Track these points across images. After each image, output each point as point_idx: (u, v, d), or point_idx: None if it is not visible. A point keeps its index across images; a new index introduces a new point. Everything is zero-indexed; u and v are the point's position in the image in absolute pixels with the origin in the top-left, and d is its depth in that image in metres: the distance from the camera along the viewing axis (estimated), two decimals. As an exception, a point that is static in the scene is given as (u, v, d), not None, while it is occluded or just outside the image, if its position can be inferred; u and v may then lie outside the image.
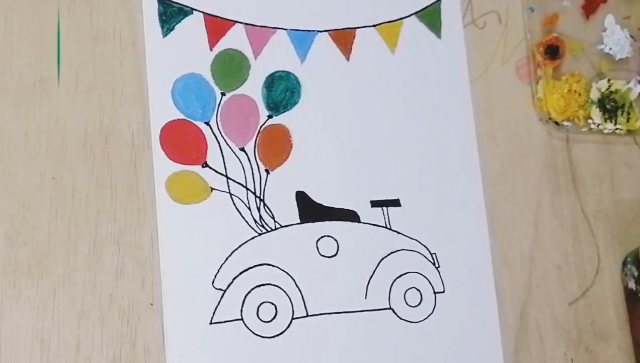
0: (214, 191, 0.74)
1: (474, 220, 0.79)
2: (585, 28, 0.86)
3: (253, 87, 0.76)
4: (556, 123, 0.83)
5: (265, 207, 0.74)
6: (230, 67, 0.76)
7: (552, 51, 0.84)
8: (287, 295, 0.74)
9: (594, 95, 0.84)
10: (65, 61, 0.73)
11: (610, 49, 0.85)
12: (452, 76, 0.81)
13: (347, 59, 0.79)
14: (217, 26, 0.76)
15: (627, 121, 0.84)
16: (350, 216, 0.76)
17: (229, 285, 0.72)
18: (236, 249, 0.73)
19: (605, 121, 0.84)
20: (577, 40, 0.85)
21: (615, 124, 0.84)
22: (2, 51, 0.72)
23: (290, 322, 0.73)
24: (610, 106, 0.84)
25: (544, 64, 0.83)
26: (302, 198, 0.75)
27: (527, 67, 0.84)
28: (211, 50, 0.76)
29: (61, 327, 0.68)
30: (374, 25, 0.80)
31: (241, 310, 0.72)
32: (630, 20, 0.87)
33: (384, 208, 0.77)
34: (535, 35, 0.84)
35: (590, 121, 0.84)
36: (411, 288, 0.76)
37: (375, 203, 0.77)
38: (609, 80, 0.84)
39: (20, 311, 0.68)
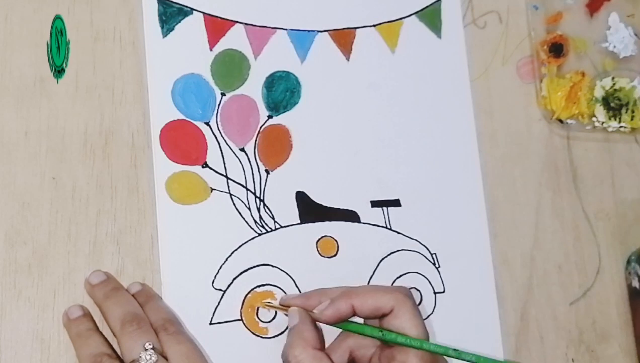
0: (213, 191, 0.74)
1: (474, 220, 0.79)
2: (589, 26, 0.86)
3: (253, 88, 0.76)
4: (560, 121, 0.83)
5: (265, 207, 0.74)
6: (230, 68, 0.76)
7: (556, 49, 0.84)
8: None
9: (598, 93, 0.84)
10: (66, 61, 0.74)
11: (615, 47, 0.85)
12: (452, 76, 0.81)
13: (347, 59, 0.79)
14: (217, 26, 0.76)
15: (632, 119, 0.84)
16: (350, 216, 0.76)
17: (228, 286, 0.72)
18: (236, 249, 0.73)
19: (610, 119, 0.83)
20: (581, 38, 0.85)
21: (620, 122, 0.83)
22: (2, 51, 0.72)
23: (290, 322, 0.73)
24: (615, 104, 0.84)
25: (548, 62, 0.83)
26: (302, 199, 0.75)
27: (527, 67, 0.84)
28: (211, 50, 0.76)
29: (61, 327, 0.68)
30: (374, 25, 0.80)
31: (241, 311, 0.72)
32: (635, 18, 0.87)
33: (384, 208, 0.77)
34: (539, 34, 0.84)
35: (594, 119, 0.83)
36: (411, 288, 0.76)
37: (375, 203, 0.77)
38: (613, 78, 0.84)
39: (20, 311, 0.68)
